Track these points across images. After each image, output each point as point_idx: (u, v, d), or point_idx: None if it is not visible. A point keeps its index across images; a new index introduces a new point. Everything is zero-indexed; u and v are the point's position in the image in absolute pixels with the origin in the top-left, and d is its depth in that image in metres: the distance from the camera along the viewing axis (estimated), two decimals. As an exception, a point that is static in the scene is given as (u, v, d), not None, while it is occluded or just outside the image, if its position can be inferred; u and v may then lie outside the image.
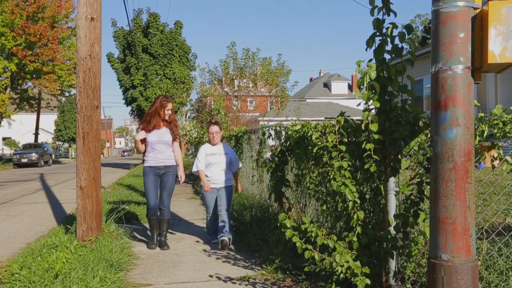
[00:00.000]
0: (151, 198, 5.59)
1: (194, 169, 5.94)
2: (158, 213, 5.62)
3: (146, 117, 5.66)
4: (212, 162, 5.76)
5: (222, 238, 5.44)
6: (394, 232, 3.20)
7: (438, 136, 2.54)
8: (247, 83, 19.46)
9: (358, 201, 3.26)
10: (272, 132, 6.27)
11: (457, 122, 2.47)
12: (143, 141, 5.63)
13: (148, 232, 5.99)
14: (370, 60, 3.13)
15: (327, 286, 3.40)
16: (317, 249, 3.31)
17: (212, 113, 13.66)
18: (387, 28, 3.03)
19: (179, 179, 5.72)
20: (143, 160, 5.72)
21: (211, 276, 4.39)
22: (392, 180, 3.35)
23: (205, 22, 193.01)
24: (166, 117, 5.59)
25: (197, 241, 5.94)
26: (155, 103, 5.66)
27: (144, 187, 5.66)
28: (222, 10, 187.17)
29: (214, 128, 5.80)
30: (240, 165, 6.30)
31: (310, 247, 3.27)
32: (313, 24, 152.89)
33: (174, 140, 5.66)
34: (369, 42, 3.09)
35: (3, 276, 4.20)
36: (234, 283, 4.16)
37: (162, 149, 5.58)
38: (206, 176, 5.81)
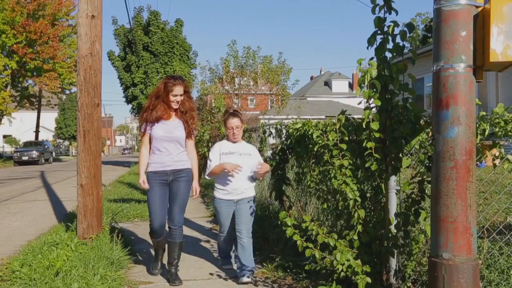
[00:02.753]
0: (156, 217, 4.16)
1: (206, 172, 4.37)
2: (169, 234, 4.25)
3: (148, 102, 4.28)
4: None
5: (244, 279, 4.05)
6: (395, 231, 3.20)
7: (440, 134, 2.53)
8: (247, 81, 19.44)
9: (359, 200, 3.26)
10: (273, 131, 6.25)
11: (458, 120, 2.47)
12: (145, 136, 4.26)
13: (150, 241, 5.88)
14: (371, 59, 3.12)
15: (328, 284, 3.40)
16: (318, 248, 3.31)
17: (213, 111, 13.64)
18: (388, 27, 3.02)
19: (193, 192, 4.31)
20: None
21: (211, 274, 4.40)
22: (393, 178, 3.34)
23: (205, 20, 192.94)
24: (174, 105, 4.15)
25: (198, 239, 5.93)
26: (160, 84, 4.25)
27: (147, 200, 4.25)
28: (223, 8, 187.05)
29: (234, 122, 4.27)
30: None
31: (310, 245, 3.27)
32: (314, 22, 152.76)
33: (188, 137, 4.23)
34: (371, 40, 3.09)
35: (4, 274, 4.20)
36: (235, 281, 4.16)
37: (171, 149, 4.16)
38: (218, 184, 4.34)
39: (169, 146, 4.17)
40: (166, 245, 4.27)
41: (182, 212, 4.22)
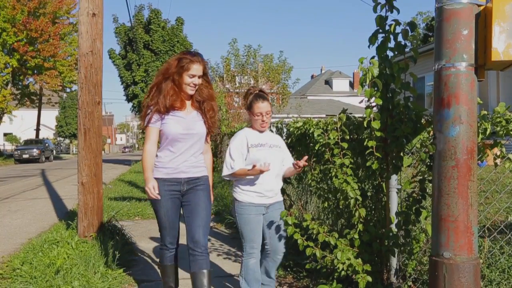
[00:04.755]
0: (168, 236, 3.37)
1: (225, 172, 3.34)
2: (192, 262, 3.22)
3: (152, 88, 3.23)
4: (260, 159, 3.24)
5: None
6: (396, 230, 3.20)
7: (441, 133, 2.53)
8: (248, 79, 19.45)
9: (360, 199, 3.26)
10: (274, 129, 6.25)
11: (460, 119, 2.46)
12: (151, 131, 3.20)
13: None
14: (373, 57, 3.12)
15: (328, 283, 3.40)
16: (319, 246, 3.31)
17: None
18: (390, 25, 3.02)
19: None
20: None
21: (212, 272, 4.40)
22: (394, 177, 3.34)
23: (206, 18, 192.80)
24: (189, 90, 3.16)
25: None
26: (171, 60, 3.23)
27: (157, 216, 3.31)
28: (224, 7, 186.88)
29: (264, 106, 3.30)
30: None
31: (311, 244, 3.27)
32: (314, 21, 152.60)
33: (207, 135, 3.36)
34: (372, 39, 3.08)
35: (5, 272, 4.21)
36: (235, 280, 4.16)
37: (187, 150, 3.20)
38: (245, 185, 3.33)
39: (185, 146, 3.18)
40: (191, 279, 3.22)
41: (207, 231, 3.25)
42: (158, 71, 3.25)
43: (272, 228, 3.39)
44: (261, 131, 3.38)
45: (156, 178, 3.17)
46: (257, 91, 3.39)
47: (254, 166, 3.09)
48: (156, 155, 3.22)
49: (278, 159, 3.38)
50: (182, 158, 3.19)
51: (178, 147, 3.18)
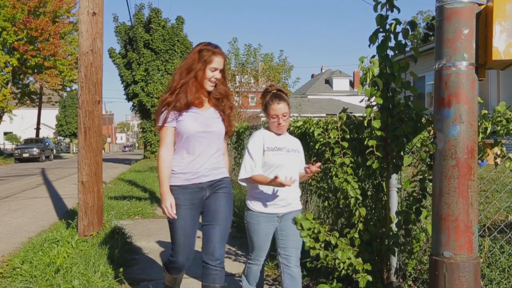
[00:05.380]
0: (184, 251, 2.94)
1: (242, 175, 3.00)
2: (204, 275, 2.91)
3: (176, 80, 2.90)
4: (276, 165, 3.01)
5: None
6: (396, 229, 3.20)
7: (441, 133, 2.52)
8: (248, 79, 19.44)
9: (360, 198, 3.26)
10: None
11: (460, 119, 2.46)
12: (167, 132, 2.88)
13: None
14: (373, 57, 3.12)
15: (329, 282, 3.40)
16: (322, 247, 3.30)
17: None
18: (390, 24, 3.02)
19: None
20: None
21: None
22: (394, 177, 3.34)
23: (206, 17, 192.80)
24: (209, 86, 2.89)
25: (198, 237, 5.93)
26: (192, 53, 2.92)
27: (171, 226, 2.92)
28: (224, 6, 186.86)
29: (281, 108, 3.01)
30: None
31: (317, 245, 3.25)
32: (315, 20, 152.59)
33: (227, 133, 3.05)
34: (372, 38, 3.08)
35: (5, 271, 4.21)
36: (235, 279, 4.16)
37: (206, 151, 2.88)
38: (257, 192, 3.06)
39: (203, 147, 2.85)
40: None
41: (225, 241, 2.94)
42: (180, 68, 2.90)
43: (286, 239, 3.07)
44: (278, 134, 3.09)
45: (173, 186, 2.82)
46: (275, 91, 3.10)
47: (276, 177, 2.79)
48: (174, 158, 2.85)
49: (295, 165, 3.11)
50: (201, 160, 2.84)
51: (195, 148, 2.83)
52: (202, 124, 2.85)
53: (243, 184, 3.08)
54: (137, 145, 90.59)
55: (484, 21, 2.49)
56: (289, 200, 3.07)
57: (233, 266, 4.57)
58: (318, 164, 3.03)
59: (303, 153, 3.27)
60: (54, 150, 37.58)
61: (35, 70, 30.68)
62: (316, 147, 3.54)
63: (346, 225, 3.62)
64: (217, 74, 2.86)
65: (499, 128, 2.94)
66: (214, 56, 2.83)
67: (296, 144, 3.20)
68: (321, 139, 3.46)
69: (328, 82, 55.54)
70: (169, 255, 3.05)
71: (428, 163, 2.89)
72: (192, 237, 2.93)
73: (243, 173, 2.99)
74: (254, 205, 3.07)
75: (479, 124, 2.82)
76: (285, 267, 3.10)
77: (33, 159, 28.94)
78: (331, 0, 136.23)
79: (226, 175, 3.00)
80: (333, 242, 3.24)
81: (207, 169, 2.87)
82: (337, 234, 3.28)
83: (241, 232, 5.71)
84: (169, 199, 2.80)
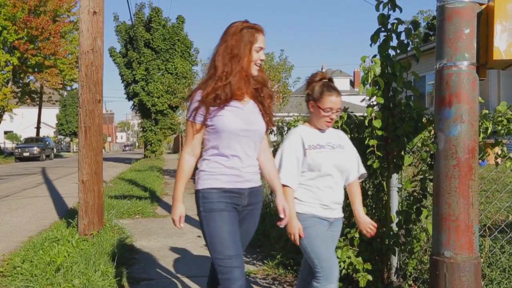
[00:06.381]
0: (236, 262, 2.35)
1: (283, 179, 2.62)
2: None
3: (220, 68, 2.37)
4: (320, 165, 2.62)
5: None
6: (397, 229, 3.20)
7: (442, 132, 2.52)
8: (249, 78, 19.42)
9: (361, 197, 3.25)
10: (274, 128, 6.25)
11: (461, 118, 2.46)
12: (197, 129, 2.40)
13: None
14: (375, 56, 3.12)
15: (329, 282, 3.40)
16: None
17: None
18: (392, 24, 3.02)
19: (282, 213, 2.48)
20: (196, 170, 2.50)
21: (212, 271, 4.40)
22: (395, 176, 3.34)
23: (207, 17, 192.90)
24: (255, 71, 2.41)
25: (199, 236, 5.93)
26: (231, 34, 2.39)
27: (210, 236, 2.39)
28: (224, 5, 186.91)
29: (338, 101, 2.63)
30: (364, 171, 2.82)
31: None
32: (315, 19, 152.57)
33: (267, 129, 2.56)
34: (374, 37, 3.08)
35: (5, 269, 4.21)
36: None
37: (247, 152, 2.43)
38: (307, 193, 2.65)
39: (243, 147, 2.41)
40: None
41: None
42: (221, 53, 2.38)
43: (332, 248, 2.71)
44: (321, 129, 2.70)
45: (214, 189, 2.37)
46: (327, 77, 2.69)
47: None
48: (204, 160, 2.43)
49: (344, 163, 2.69)
50: (243, 163, 2.41)
51: (236, 148, 2.38)
52: (244, 120, 2.38)
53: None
54: (137, 144, 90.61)
55: (485, 21, 2.49)
56: (340, 203, 2.73)
57: None
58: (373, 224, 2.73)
59: (353, 148, 2.79)
60: (55, 149, 37.57)
61: (36, 69, 30.68)
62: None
63: (347, 224, 3.62)
64: (262, 55, 2.41)
65: (499, 128, 2.94)
66: (258, 34, 2.39)
67: (341, 137, 2.76)
68: (322, 139, 3.45)
69: (329, 81, 55.52)
70: (212, 277, 2.58)
71: (429, 162, 2.89)
72: (238, 242, 2.40)
73: (285, 173, 2.61)
74: (305, 208, 2.64)
75: (479, 124, 2.82)
76: (322, 280, 2.55)
77: (33, 158, 28.94)
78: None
79: (260, 183, 2.56)
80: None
81: (250, 173, 2.45)
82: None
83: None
84: (179, 209, 2.42)
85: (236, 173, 2.40)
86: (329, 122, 2.65)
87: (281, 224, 2.50)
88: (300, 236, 2.55)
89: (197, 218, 2.52)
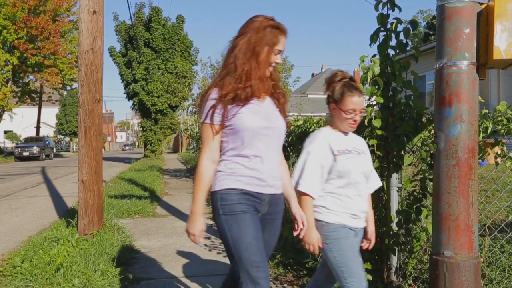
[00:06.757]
0: (263, 268, 2.15)
1: (304, 187, 2.41)
2: None
3: (239, 65, 2.19)
4: (350, 171, 2.44)
5: None
6: (396, 228, 3.19)
7: (442, 132, 2.52)
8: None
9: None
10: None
11: (461, 118, 2.46)
12: (215, 130, 2.19)
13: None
14: (374, 56, 3.12)
15: (329, 281, 3.40)
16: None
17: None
18: (391, 23, 3.02)
19: (301, 224, 2.33)
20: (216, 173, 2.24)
21: (212, 270, 4.40)
22: (394, 176, 3.34)
23: (207, 16, 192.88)
24: (268, 73, 2.27)
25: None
26: (255, 30, 2.20)
27: (233, 241, 2.15)
28: (224, 5, 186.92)
29: (361, 101, 2.47)
30: (380, 183, 2.74)
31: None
32: (315, 19, 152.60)
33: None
34: (373, 37, 3.08)
35: (5, 269, 4.21)
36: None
37: (270, 150, 2.23)
38: (334, 201, 2.45)
39: (265, 147, 2.20)
40: None
41: None
42: (243, 49, 2.19)
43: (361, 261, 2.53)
44: (345, 132, 2.53)
45: (234, 190, 2.16)
46: (347, 77, 2.52)
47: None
48: (222, 160, 2.21)
49: (369, 170, 2.57)
50: (264, 166, 2.19)
51: (257, 148, 2.17)
52: (264, 118, 2.20)
53: (305, 191, 2.46)
54: (137, 144, 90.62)
55: (485, 20, 2.49)
56: (364, 212, 2.55)
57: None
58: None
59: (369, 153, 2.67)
60: (54, 149, 37.57)
61: (35, 69, 30.67)
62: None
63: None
64: (279, 58, 2.27)
65: (499, 127, 2.94)
66: (281, 35, 2.24)
67: (362, 143, 2.63)
68: (322, 138, 3.45)
69: (329, 81, 55.53)
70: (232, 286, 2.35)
71: (429, 162, 2.89)
72: (264, 251, 2.19)
73: (307, 187, 2.40)
74: (334, 217, 2.45)
75: (479, 123, 2.82)
76: None
77: (33, 158, 28.93)
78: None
79: (282, 190, 2.34)
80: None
81: (272, 177, 2.24)
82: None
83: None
84: (199, 222, 2.19)
85: (258, 175, 2.18)
86: (353, 124, 2.47)
87: (300, 235, 2.34)
88: (319, 247, 2.39)
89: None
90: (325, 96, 2.57)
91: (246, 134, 2.15)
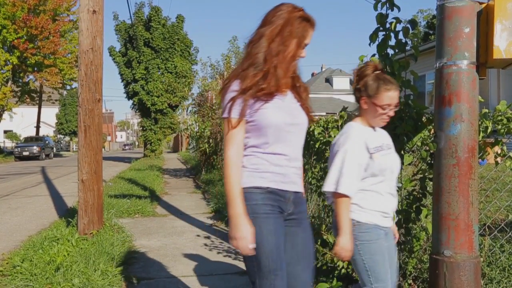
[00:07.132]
0: (279, 276, 1.98)
1: (344, 188, 2.23)
2: None
3: (260, 62, 2.03)
4: (386, 169, 2.34)
5: None
6: (396, 228, 3.19)
7: (442, 131, 2.52)
8: (249, 77, 19.40)
9: (360, 197, 3.24)
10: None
11: (461, 118, 2.46)
12: (239, 124, 2.00)
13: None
14: (373, 55, 3.12)
15: (328, 281, 3.40)
16: (319, 244, 3.30)
17: (214, 107, 13.65)
18: (390, 23, 3.01)
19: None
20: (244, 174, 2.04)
21: (211, 270, 4.40)
22: (394, 175, 3.33)
23: (207, 16, 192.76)
24: (292, 68, 2.14)
25: (198, 235, 5.93)
26: (284, 20, 2.06)
27: (259, 245, 1.95)
28: (224, 4, 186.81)
29: (396, 96, 2.31)
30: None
31: (316, 245, 3.26)
32: (315, 19, 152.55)
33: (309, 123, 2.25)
34: (373, 37, 3.07)
35: (5, 269, 4.21)
36: (235, 277, 4.17)
37: (294, 147, 2.10)
38: (367, 200, 2.34)
39: (289, 144, 2.08)
40: None
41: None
42: (266, 43, 2.04)
43: (392, 261, 2.42)
44: (373, 126, 2.40)
45: (255, 188, 2.01)
46: (378, 67, 2.37)
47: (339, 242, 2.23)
48: (244, 156, 2.05)
49: (399, 166, 2.47)
50: (291, 162, 2.08)
51: (282, 146, 2.05)
52: (288, 113, 2.07)
53: (329, 200, 2.35)
54: (137, 143, 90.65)
55: (485, 20, 2.49)
56: (393, 212, 2.44)
57: (232, 264, 4.57)
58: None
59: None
60: (54, 149, 37.56)
61: (35, 68, 30.67)
62: (316, 146, 3.54)
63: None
64: (305, 52, 2.15)
65: (499, 127, 2.94)
66: (311, 29, 2.11)
67: (388, 138, 2.49)
68: (322, 138, 3.46)
69: (328, 81, 55.52)
70: None
71: (429, 162, 2.89)
72: (283, 257, 2.04)
73: (345, 187, 2.23)
74: (367, 217, 2.32)
75: (479, 123, 2.82)
76: None
77: (33, 157, 28.92)
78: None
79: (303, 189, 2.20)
80: (331, 240, 3.24)
81: (295, 174, 2.10)
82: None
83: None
84: (245, 225, 1.93)
85: (282, 171, 2.04)
86: (386, 120, 2.34)
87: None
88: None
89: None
90: (353, 89, 2.43)
91: (270, 131, 2.02)
